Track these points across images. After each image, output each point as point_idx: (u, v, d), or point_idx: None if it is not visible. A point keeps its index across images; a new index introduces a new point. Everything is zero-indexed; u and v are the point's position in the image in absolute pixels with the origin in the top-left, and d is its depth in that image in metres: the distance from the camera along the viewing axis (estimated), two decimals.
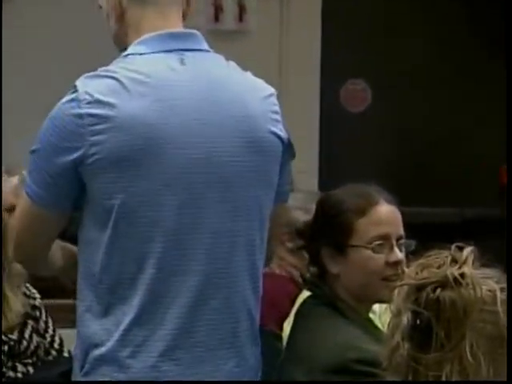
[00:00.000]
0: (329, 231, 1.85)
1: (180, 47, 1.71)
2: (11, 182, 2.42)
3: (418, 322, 1.37)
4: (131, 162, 1.63)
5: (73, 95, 1.65)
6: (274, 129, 1.72)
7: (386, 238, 1.83)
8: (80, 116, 1.63)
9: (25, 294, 1.94)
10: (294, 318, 1.93)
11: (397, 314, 1.40)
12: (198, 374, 1.67)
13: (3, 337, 1.88)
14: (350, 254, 1.84)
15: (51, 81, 3.96)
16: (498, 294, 1.34)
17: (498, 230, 3.89)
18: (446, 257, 1.39)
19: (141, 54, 1.70)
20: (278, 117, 1.75)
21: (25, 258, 1.76)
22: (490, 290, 1.35)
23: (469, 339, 1.33)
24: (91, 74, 1.68)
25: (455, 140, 4.61)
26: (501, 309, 1.34)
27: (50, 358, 2.03)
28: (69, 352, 2.02)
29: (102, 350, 1.65)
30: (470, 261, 1.38)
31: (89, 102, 1.62)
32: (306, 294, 1.99)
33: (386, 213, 1.85)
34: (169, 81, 1.68)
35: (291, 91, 4.30)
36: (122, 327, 1.64)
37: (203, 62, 1.73)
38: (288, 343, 1.92)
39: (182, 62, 1.71)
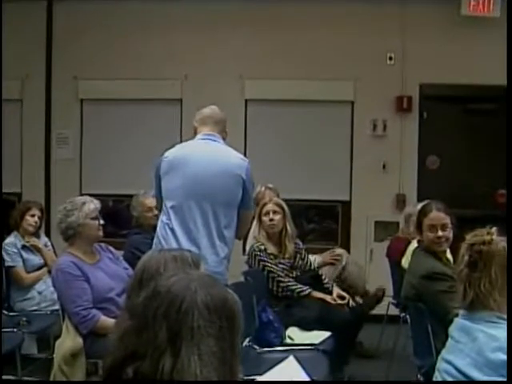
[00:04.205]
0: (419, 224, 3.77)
1: (206, 138, 3.89)
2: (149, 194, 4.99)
3: (472, 259, 2.52)
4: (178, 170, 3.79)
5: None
6: (238, 172, 3.75)
7: (433, 225, 3.68)
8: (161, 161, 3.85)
9: None
10: (411, 256, 3.88)
11: (462, 256, 2.57)
12: None
13: None
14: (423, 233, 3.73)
15: None
16: (506, 247, 2.49)
17: None
18: (487, 232, 2.58)
19: (197, 139, 3.92)
20: (243, 167, 3.79)
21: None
22: (503, 246, 2.51)
23: (493, 266, 2.48)
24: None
25: None
26: (505, 253, 2.45)
27: None
28: None
29: None
30: (495, 232, 2.57)
31: (165, 156, 3.84)
32: (414, 244, 3.97)
33: (434, 215, 3.72)
34: (198, 146, 3.86)
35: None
36: None
37: (214, 143, 3.87)
38: (408, 268, 3.84)
39: (206, 143, 3.85)
